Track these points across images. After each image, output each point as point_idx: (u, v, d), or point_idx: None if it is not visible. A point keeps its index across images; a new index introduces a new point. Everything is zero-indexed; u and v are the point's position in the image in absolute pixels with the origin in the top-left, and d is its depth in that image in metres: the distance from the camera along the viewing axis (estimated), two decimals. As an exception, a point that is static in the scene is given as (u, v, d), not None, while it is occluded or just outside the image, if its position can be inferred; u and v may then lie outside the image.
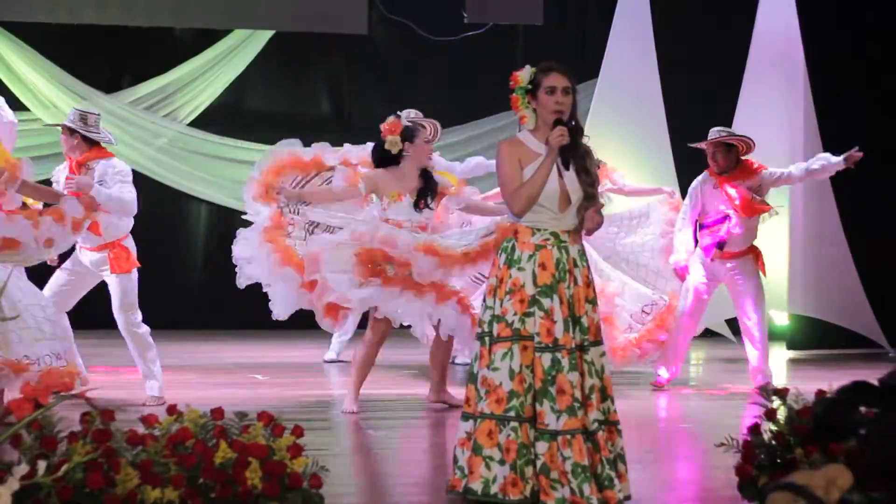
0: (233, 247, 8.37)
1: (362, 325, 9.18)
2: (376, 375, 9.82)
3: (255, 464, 4.61)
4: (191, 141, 13.35)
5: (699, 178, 9.62)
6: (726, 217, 9.34)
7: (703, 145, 9.56)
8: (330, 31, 13.45)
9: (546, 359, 5.32)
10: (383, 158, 8.27)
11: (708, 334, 12.55)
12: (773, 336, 12.67)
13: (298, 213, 8.36)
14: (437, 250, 7.92)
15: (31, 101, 12.75)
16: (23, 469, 4.23)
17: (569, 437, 5.27)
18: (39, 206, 8.13)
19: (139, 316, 8.33)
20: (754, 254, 9.38)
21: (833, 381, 4.93)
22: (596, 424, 5.35)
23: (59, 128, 8.75)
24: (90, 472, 4.43)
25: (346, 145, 8.71)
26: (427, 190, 8.24)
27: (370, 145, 8.49)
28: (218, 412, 4.77)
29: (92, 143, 8.53)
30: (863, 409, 4.67)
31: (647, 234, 10.20)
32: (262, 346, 11.87)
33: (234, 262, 8.31)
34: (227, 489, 4.58)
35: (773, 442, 5.17)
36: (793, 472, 4.67)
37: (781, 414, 5.22)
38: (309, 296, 8.11)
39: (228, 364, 10.50)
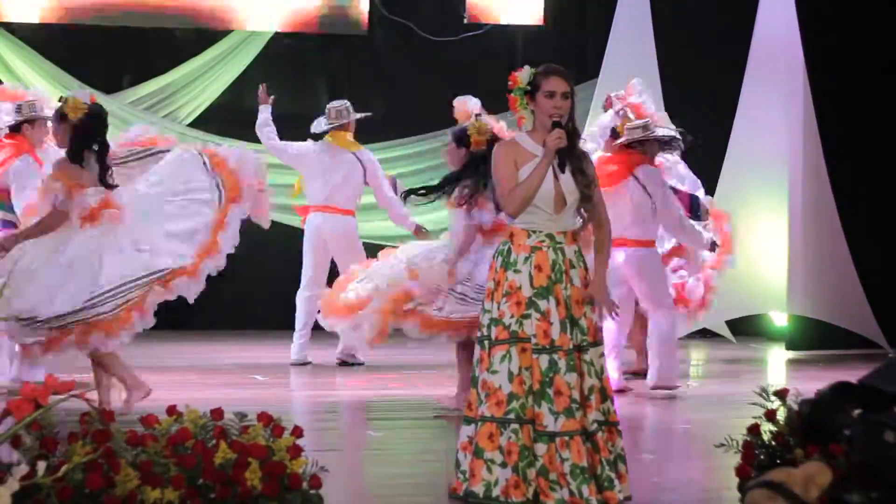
0: None
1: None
2: (377, 375, 9.83)
3: (254, 464, 4.61)
4: (191, 141, 13.33)
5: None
6: None
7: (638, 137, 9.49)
8: (330, 31, 13.44)
9: (543, 360, 5.33)
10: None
11: (708, 335, 12.56)
12: (773, 337, 12.70)
13: None
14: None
15: (30, 102, 12.73)
16: (23, 470, 4.24)
17: (567, 438, 5.27)
18: None
19: None
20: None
21: (832, 381, 4.93)
22: (595, 425, 5.35)
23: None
24: (90, 473, 4.43)
25: None
26: None
27: None
28: (217, 413, 4.77)
29: None
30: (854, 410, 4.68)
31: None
32: (262, 346, 11.86)
33: None
34: (226, 490, 4.58)
35: (773, 442, 5.17)
36: (772, 469, 4.68)
37: (781, 415, 5.22)
38: None
39: (228, 364, 10.50)
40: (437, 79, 13.54)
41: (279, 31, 13.38)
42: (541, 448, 5.29)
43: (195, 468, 4.58)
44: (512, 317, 5.37)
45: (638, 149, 9.16)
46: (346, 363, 10.35)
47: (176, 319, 12.59)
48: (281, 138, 10.93)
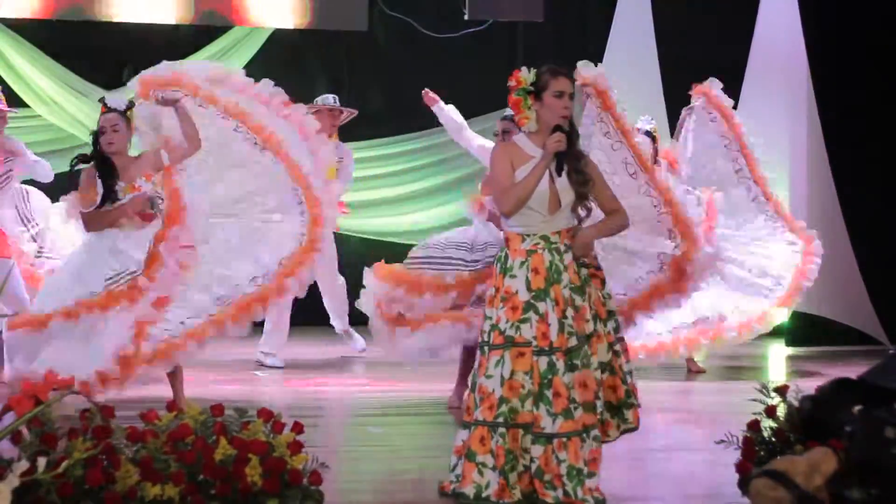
0: None
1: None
2: (378, 372, 9.83)
3: (254, 460, 4.62)
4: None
5: None
6: None
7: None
8: (330, 28, 13.44)
9: (543, 362, 5.35)
10: None
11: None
12: (774, 332, 12.68)
13: None
14: None
15: (31, 98, 12.73)
16: (23, 466, 4.24)
17: (564, 439, 5.28)
18: None
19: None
20: None
21: (833, 377, 4.93)
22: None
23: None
24: (90, 469, 4.43)
25: None
26: None
27: None
28: (218, 409, 4.78)
29: None
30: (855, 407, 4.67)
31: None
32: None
33: None
34: (227, 486, 4.59)
35: (774, 438, 5.17)
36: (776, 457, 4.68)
37: (781, 411, 5.22)
38: None
39: (228, 361, 10.48)
40: (438, 75, 13.53)
41: (280, 27, 13.37)
42: (537, 450, 5.31)
43: (195, 464, 4.58)
44: (508, 321, 5.40)
45: None
46: None
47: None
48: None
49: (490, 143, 8.76)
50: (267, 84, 8.16)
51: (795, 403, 5.10)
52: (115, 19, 12.98)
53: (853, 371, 4.72)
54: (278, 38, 13.43)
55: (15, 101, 12.67)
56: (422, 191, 13.36)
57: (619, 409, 5.55)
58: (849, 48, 12.01)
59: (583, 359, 5.39)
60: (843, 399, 4.60)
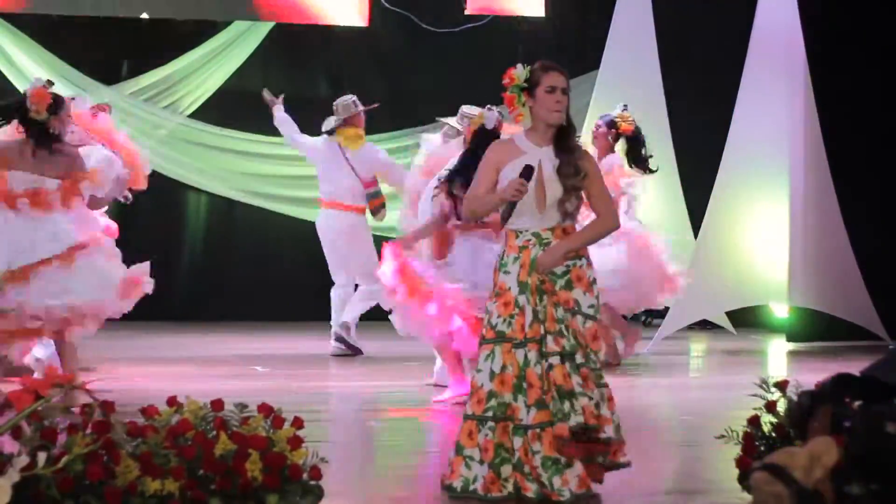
0: None
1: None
2: (379, 367, 9.84)
3: (255, 455, 4.61)
4: (191, 132, 13.34)
5: None
6: None
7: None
8: (330, 22, 13.44)
9: (520, 355, 5.38)
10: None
11: (708, 326, 12.56)
12: (775, 328, 12.69)
13: None
14: None
15: (31, 93, 12.72)
16: (23, 461, 4.24)
17: (538, 430, 5.29)
18: None
19: None
20: None
21: (832, 373, 4.93)
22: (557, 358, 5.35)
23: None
24: (90, 464, 4.43)
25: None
26: None
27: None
28: (218, 404, 4.77)
29: None
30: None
31: None
32: (262, 337, 11.87)
33: None
34: (227, 481, 4.59)
35: (773, 434, 5.17)
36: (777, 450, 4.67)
37: (781, 406, 5.22)
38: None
39: (228, 356, 10.50)
40: (438, 70, 13.54)
41: (280, 21, 13.37)
42: (517, 442, 5.33)
43: (195, 459, 4.58)
44: (499, 317, 5.42)
45: None
46: None
47: (176, 311, 12.61)
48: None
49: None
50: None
51: (795, 398, 5.10)
52: (116, 14, 12.98)
53: (853, 366, 4.72)
54: (278, 33, 13.43)
55: (13, 94, 12.69)
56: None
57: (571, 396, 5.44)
58: (847, 41, 12.00)
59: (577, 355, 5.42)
60: (843, 394, 4.59)
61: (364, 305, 10.43)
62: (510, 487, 5.31)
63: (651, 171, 10.14)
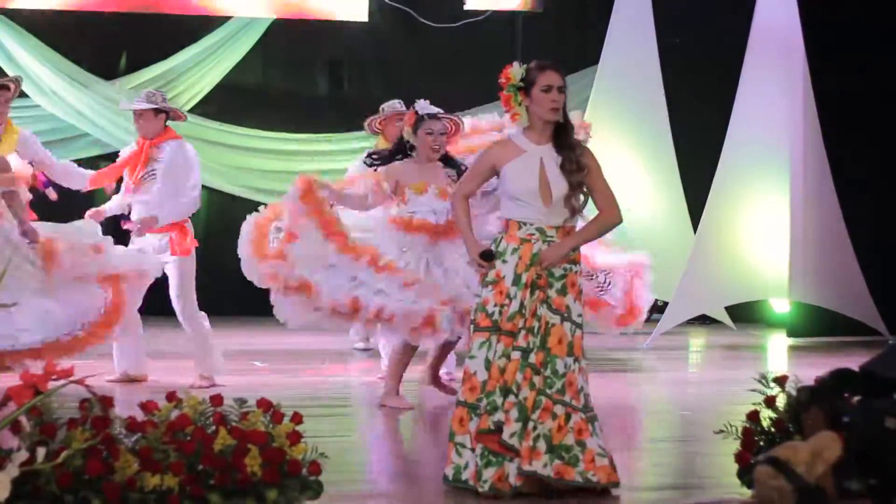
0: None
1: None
2: (376, 362, 9.83)
3: (254, 450, 4.61)
4: (191, 127, 13.32)
5: None
6: None
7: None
8: (330, 17, 13.43)
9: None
10: (401, 150, 7.98)
11: (707, 321, 12.56)
12: (774, 323, 12.70)
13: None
14: None
15: (30, 89, 12.73)
16: (22, 456, 4.24)
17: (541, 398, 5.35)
18: None
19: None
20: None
21: (832, 368, 4.93)
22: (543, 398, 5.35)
23: (129, 111, 8.72)
24: (89, 459, 4.43)
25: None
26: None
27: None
28: (217, 399, 4.77)
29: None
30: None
31: None
32: (261, 332, 11.85)
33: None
34: (226, 476, 4.58)
35: (773, 429, 5.17)
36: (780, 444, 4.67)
37: (781, 401, 5.22)
38: None
39: (227, 351, 10.47)
40: (437, 65, 13.53)
41: (279, 17, 13.36)
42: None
43: (195, 454, 4.58)
44: (495, 305, 5.41)
45: None
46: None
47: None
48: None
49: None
50: None
51: (794, 393, 5.10)
52: (115, 9, 12.98)
53: (853, 362, 4.72)
54: (277, 29, 13.42)
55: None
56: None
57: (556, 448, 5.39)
58: (847, 35, 12.00)
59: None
60: (843, 390, 4.60)
61: None
62: (486, 488, 5.30)
63: None
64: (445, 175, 7.74)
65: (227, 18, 13.36)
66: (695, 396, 8.72)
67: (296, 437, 4.73)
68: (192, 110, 13.29)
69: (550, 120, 5.47)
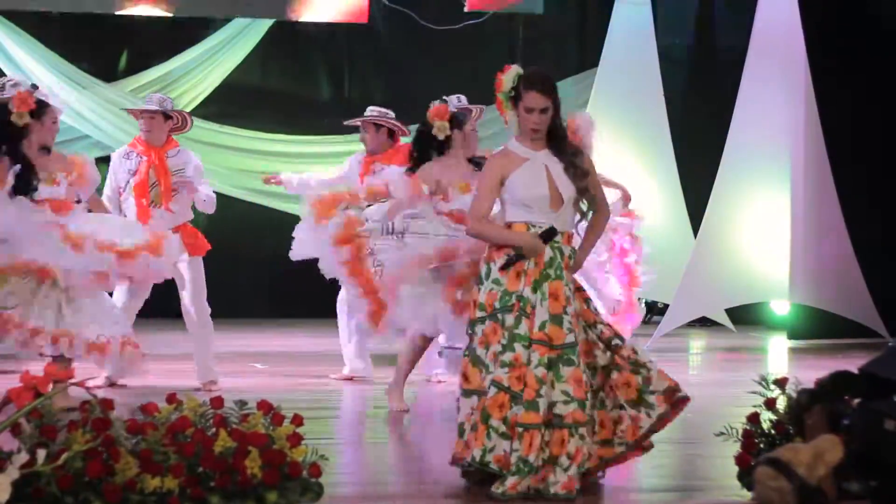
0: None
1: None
2: (379, 364, 9.82)
3: (254, 452, 4.62)
4: (191, 129, 13.33)
5: None
6: None
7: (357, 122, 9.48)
8: (330, 20, 13.44)
9: (524, 355, 5.40)
10: (429, 146, 7.87)
11: (708, 323, 12.55)
12: (774, 326, 12.69)
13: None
14: None
15: (30, 90, 12.72)
16: (23, 458, 4.24)
17: (521, 430, 5.30)
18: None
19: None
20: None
21: (832, 370, 4.93)
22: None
23: (140, 113, 8.69)
24: (90, 461, 4.44)
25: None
26: None
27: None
28: (217, 401, 4.78)
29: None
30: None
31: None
32: (262, 334, 11.87)
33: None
34: (226, 478, 4.59)
35: (773, 431, 5.17)
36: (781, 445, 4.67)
37: (781, 403, 5.22)
38: None
39: (228, 353, 10.48)
40: (438, 67, 13.53)
41: (280, 19, 13.37)
42: None
43: (195, 456, 4.58)
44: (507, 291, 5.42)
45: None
46: None
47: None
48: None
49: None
50: None
51: (795, 396, 5.10)
52: (115, 11, 12.98)
53: (853, 364, 4.72)
54: (277, 31, 13.42)
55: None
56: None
57: (641, 401, 5.55)
58: (848, 35, 12.00)
59: (578, 356, 5.41)
60: (842, 392, 4.60)
61: None
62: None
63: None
64: (472, 172, 7.70)
65: (227, 20, 13.37)
66: (695, 398, 8.66)
67: (296, 439, 4.74)
68: (192, 112, 13.26)
69: (531, 138, 5.50)
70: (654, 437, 7.22)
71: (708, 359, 11.38)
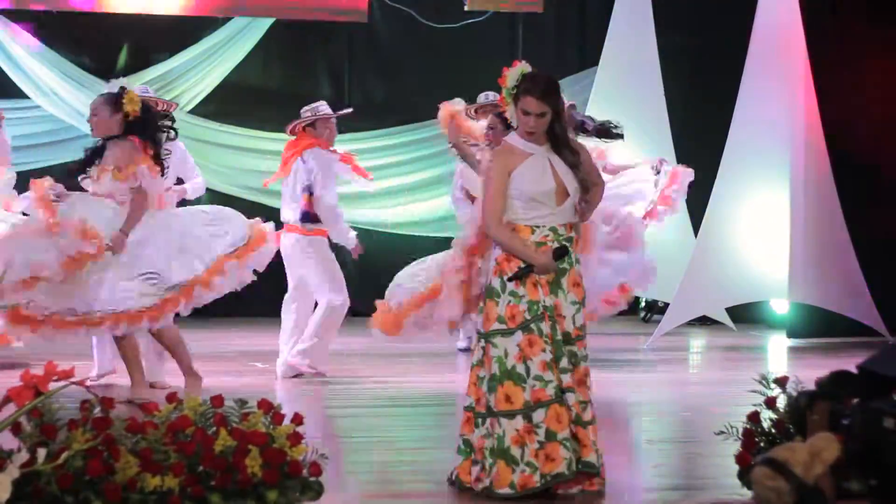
0: None
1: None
2: (381, 363, 9.84)
3: (254, 451, 4.62)
4: (191, 128, 13.32)
5: None
6: None
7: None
8: (330, 18, 13.43)
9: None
10: None
11: (708, 322, 12.55)
12: (774, 324, 12.69)
13: None
14: None
15: (31, 90, 12.74)
16: (23, 457, 4.24)
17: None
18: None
19: None
20: None
21: (833, 369, 4.93)
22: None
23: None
24: (90, 460, 4.43)
25: None
26: None
27: None
28: (218, 400, 4.78)
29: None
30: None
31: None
32: (262, 333, 11.85)
33: None
34: (226, 477, 4.59)
35: (773, 430, 5.17)
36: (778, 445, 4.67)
37: (781, 402, 5.22)
38: None
39: (228, 352, 10.50)
40: (438, 66, 13.53)
41: (280, 18, 13.37)
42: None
43: (195, 455, 4.58)
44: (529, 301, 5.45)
45: (310, 131, 9.26)
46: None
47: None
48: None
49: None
50: None
51: (795, 396, 5.11)
52: (115, 10, 12.98)
53: (853, 363, 4.72)
54: (278, 30, 13.42)
55: (15, 91, 12.69)
56: (423, 181, 13.37)
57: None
58: (848, 33, 12.00)
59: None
60: (841, 392, 4.60)
61: None
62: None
63: (620, 136, 10.09)
64: None
65: (227, 19, 13.36)
66: (695, 397, 8.71)
67: (296, 438, 4.74)
68: (192, 111, 13.30)
69: (527, 139, 5.51)
70: (654, 437, 7.23)
71: (708, 357, 11.38)
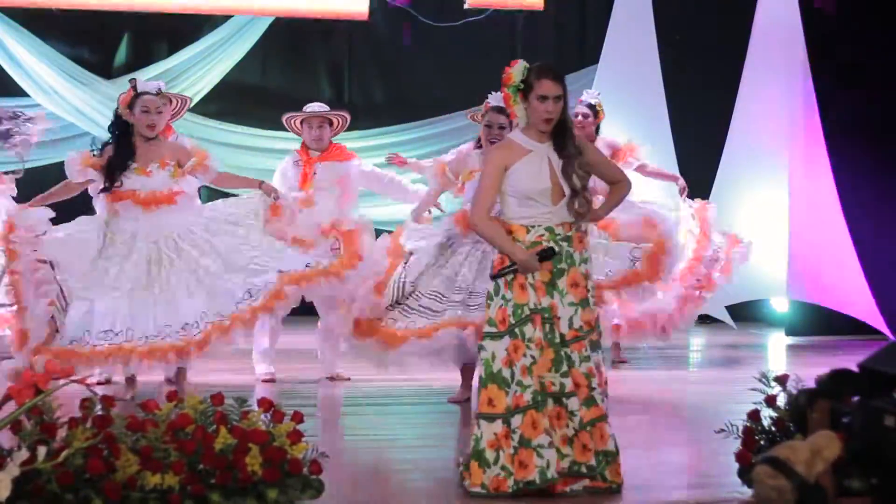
0: None
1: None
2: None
3: (255, 450, 4.62)
4: (191, 126, 13.32)
5: None
6: None
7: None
8: (330, 16, 13.43)
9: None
10: None
11: (708, 320, 12.55)
12: (773, 322, 12.69)
13: None
14: None
15: (31, 87, 12.74)
16: (23, 455, 4.24)
17: (589, 428, 5.42)
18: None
19: None
20: None
21: (833, 367, 4.93)
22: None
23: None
24: (90, 458, 4.44)
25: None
26: None
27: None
28: (218, 398, 4.78)
29: None
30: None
31: None
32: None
33: None
34: (226, 475, 4.59)
35: (773, 428, 5.17)
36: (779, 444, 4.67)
37: (781, 400, 5.22)
38: None
39: (228, 350, 10.47)
40: (438, 64, 13.53)
41: (280, 16, 13.37)
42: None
43: (195, 453, 4.58)
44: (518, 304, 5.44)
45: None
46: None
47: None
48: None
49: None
50: None
51: (795, 394, 5.10)
52: (115, 8, 12.98)
53: (853, 361, 4.72)
54: (278, 28, 13.42)
55: (15, 90, 12.69)
56: (422, 180, 13.36)
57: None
58: (848, 32, 12.00)
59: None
60: (841, 390, 4.60)
61: None
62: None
63: None
64: None
65: (227, 18, 13.36)
66: (695, 395, 8.72)
67: (296, 436, 4.74)
68: (192, 110, 13.29)
69: (542, 129, 5.48)
70: (653, 436, 7.23)
71: (708, 356, 11.37)
